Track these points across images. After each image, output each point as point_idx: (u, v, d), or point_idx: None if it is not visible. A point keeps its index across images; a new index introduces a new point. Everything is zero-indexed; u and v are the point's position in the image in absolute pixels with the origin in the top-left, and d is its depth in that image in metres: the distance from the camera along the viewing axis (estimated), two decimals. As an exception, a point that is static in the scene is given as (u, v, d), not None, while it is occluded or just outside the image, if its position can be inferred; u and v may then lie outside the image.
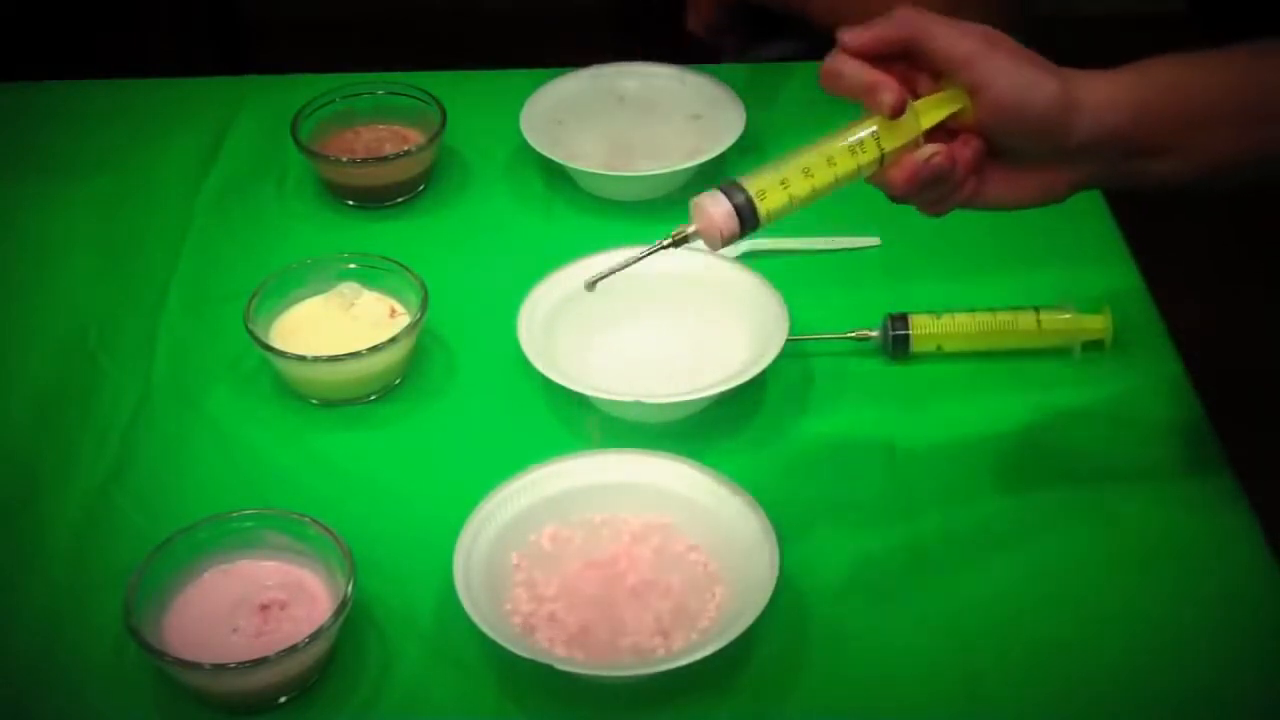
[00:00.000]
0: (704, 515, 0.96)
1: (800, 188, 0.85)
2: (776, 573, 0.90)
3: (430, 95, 1.29)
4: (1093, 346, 1.11)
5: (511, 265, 1.18)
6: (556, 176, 1.29)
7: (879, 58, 0.85)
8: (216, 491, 1.02)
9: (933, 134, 0.86)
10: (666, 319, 1.12)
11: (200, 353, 1.14)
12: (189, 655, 0.87)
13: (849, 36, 0.85)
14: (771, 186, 0.84)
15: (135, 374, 1.12)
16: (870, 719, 0.89)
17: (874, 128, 0.85)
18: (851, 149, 0.85)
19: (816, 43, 1.44)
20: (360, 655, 0.92)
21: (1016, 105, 0.84)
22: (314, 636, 0.87)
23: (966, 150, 0.86)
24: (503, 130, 1.31)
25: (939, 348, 1.10)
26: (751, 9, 1.45)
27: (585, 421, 1.03)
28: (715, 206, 0.84)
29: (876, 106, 0.84)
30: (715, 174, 1.28)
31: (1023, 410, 1.07)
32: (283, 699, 0.89)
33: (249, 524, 0.93)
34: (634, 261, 0.88)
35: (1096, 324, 1.11)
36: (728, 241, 0.84)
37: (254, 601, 0.91)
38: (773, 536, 0.92)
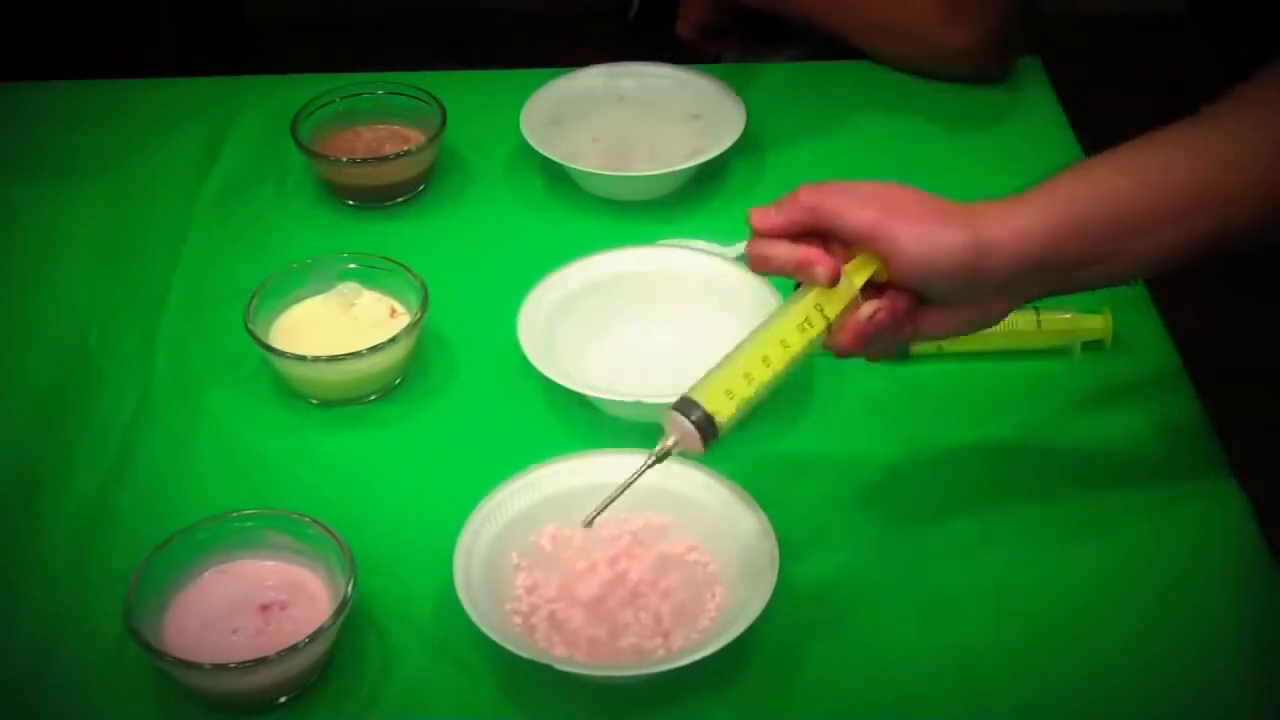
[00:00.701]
0: (704, 515, 0.96)
1: (762, 376, 0.86)
2: (776, 573, 0.90)
3: (430, 95, 1.29)
4: (1093, 346, 1.11)
5: (511, 265, 1.18)
6: (556, 176, 1.29)
7: (794, 235, 0.88)
8: (216, 491, 1.02)
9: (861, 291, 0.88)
10: (666, 319, 1.12)
11: (200, 353, 1.14)
12: (189, 655, 0.87)
13: (759, 219, 0.88)
14: (735, 382, 0.86)
15: (135, 374, 1.12)
16: (870, 719, 0.89)
17: (814, 300, 0.87)
18: (800, 326, 0.87)
19: (816, 51, 1.44)
20: (360, 655, 0.92)
21: (927, 266, 0.87)
22: (314, 636, 0.87)
23: (900, 300, 0.88)
24: (503, 130, 1.31)
25: (939, 348, 1.10)
26: (749, 16, 1.45)
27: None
28: (687, 420, 0.85)
29: (813, 279, 0.87)
30: (715, 174, 1.28)
31: (1022, 411, 1.07)
32: (283, 699, 0.89)
33: (249, 524, 0.93)
34: (625, 487, 0.88)
35: (1096, 324, 1.11)
36: (708, 445, 0.86)
37: (254, 601, 0.91)
38: (772, 536, 0.92)
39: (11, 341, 1.15)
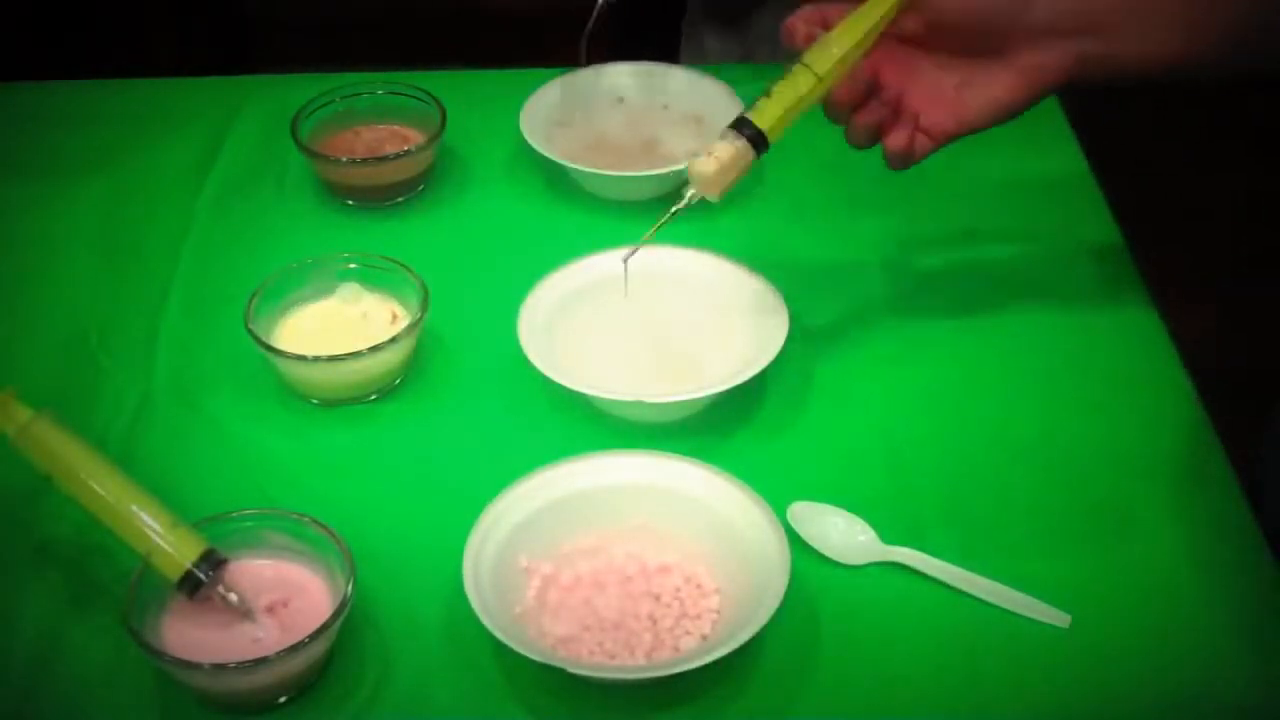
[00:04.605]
0: (714, 517, 0.95)
1: (788, 96, 0.96)
2: (788, 575, 0.89)
3: (430, 95, 1.29)
4: (1091, 346, 1.11)
5: (511, 265, 1.18)
6: (556, 176, 1.29)
7: None
8: (217, 491, 1.01)
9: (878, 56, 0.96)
10: (667, 319, 1.12)
11: (201, 353, 1.14)
12: (189, 655, 0.87)
13: None
14: (763, 105, 0.96)
15: (136, 374, 1.12)
16: None
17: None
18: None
19: None
20: (360, 655, 0.92)
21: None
22: (314, 636, 0.87)
23: (891, 65, 0.96)
24: (503, 130, 1.31)
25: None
26: None
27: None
28: (704, 166, 0.95)
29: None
30: (715, 174, 1.28)
31: (1027, 410, 1.07)
32: (283, 699, 0.89)
33: (249, 524, 0.93)
34: (660, 227, 0.98)
35: None
36: (723, 189, 0.95)
37: (254, 602, 0.91)
38: (783, 537, 0.91)
39: (11, 341, 1.15)
